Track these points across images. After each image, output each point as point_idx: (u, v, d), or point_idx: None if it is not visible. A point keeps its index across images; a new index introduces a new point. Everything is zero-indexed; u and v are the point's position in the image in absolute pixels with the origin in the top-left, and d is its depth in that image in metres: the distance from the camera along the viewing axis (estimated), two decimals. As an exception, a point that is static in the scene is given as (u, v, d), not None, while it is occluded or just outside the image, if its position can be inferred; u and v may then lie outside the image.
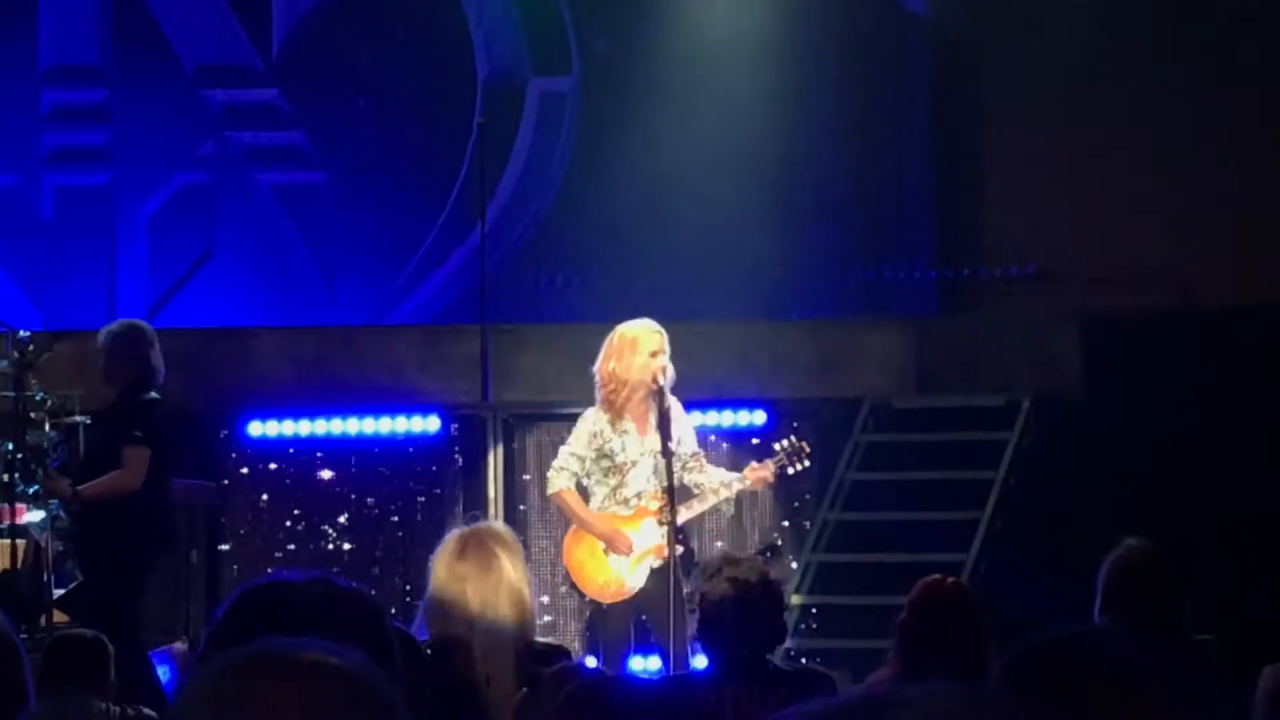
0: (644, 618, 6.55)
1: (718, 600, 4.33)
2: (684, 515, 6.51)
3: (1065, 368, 7.84)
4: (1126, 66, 8.25)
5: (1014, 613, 4.98)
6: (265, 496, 7.83)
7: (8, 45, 8.61)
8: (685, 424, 6.70)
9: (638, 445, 6.48)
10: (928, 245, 8.75)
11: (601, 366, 6.43)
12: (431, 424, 8.10)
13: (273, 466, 7.91)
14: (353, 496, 8.07)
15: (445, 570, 4.00)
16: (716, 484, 6.63)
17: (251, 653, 1.13)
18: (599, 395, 6.47)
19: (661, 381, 6.34)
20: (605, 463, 6.51)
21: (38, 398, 6.90)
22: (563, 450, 6.59)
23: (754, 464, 6.72)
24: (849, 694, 1.35)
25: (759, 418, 7.82)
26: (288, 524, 7.86)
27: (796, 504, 7.74)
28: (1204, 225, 8.15)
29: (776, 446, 6.71)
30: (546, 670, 3.75)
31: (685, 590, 5.93)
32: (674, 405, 6.50)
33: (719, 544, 7.34)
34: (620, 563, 6.51)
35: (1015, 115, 8.51)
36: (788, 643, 6.67)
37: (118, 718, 4.23)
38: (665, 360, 6.41)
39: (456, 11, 9.05)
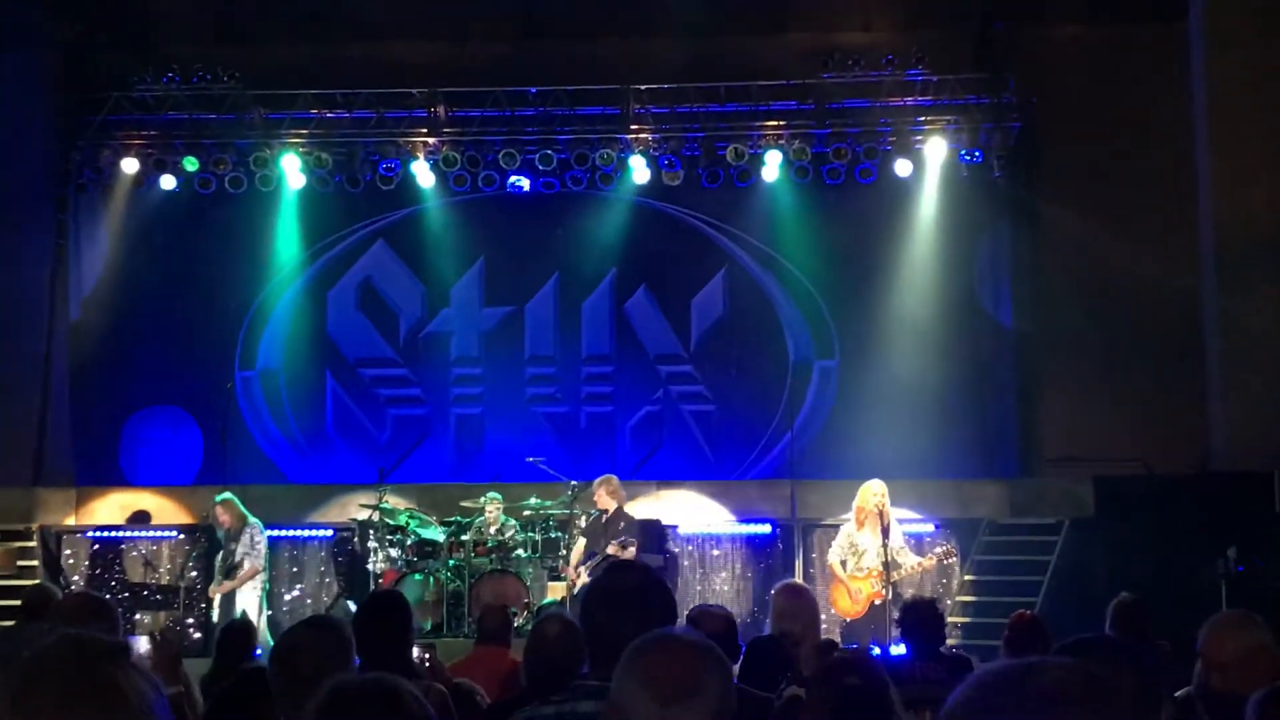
0: (871, 626, 9.10)
1: (910, 612, 5.97)
2: (893, 577, 9.06)
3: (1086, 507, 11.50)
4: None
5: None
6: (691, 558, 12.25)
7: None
8: (895, 529, 9.26)
9: (869, 541, 9.20)
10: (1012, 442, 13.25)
11: (856, 503, 9.47)
12: (765, 529, 12.14)
13: (691, 546, 12.19)
14: (735, 566, 12.17)
15: (779, 599, 5.62)
16: (913, 563, 9.40)
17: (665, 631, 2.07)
18: (852, 515, 9.44)
19: (881, 509, 9.13)
20: (852, 550, 9.34)
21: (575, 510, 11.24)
22: (834, 543, 9.54)
23: (927, 556, 9.61)
24: (1000, 664, 1.43)
25: (928, 528, 11.43)
26: (700, 569, 12.20)
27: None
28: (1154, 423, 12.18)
29: (939, 549, 9.82)
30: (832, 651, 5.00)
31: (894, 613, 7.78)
32: (891, 520, 9.20)
33: (910, 591, 9.27)
34: (857, 597, 9.23)
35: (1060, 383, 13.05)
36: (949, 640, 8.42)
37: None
38: (883, 500, 9.18)
39: (771, 312, 13.60)
